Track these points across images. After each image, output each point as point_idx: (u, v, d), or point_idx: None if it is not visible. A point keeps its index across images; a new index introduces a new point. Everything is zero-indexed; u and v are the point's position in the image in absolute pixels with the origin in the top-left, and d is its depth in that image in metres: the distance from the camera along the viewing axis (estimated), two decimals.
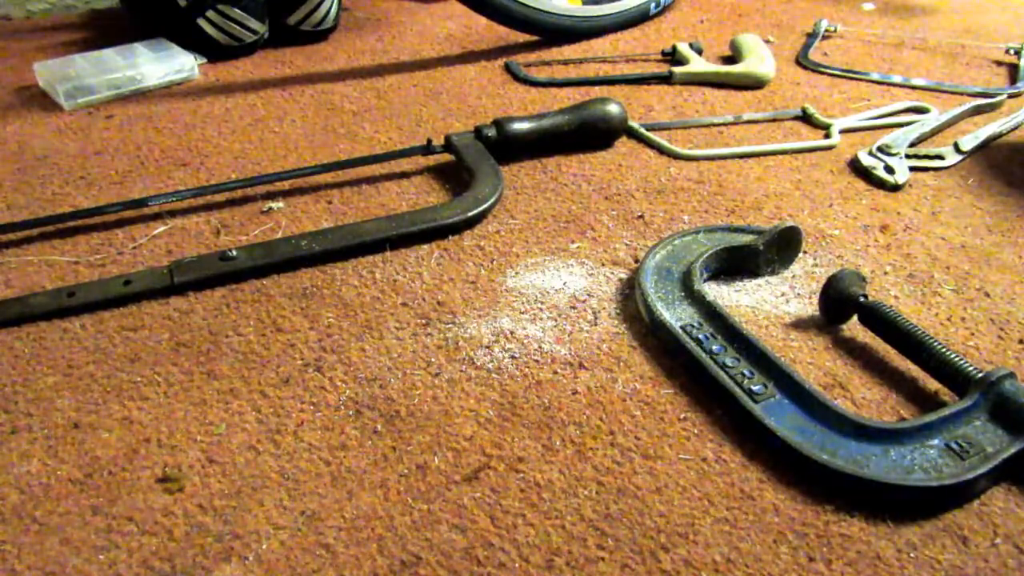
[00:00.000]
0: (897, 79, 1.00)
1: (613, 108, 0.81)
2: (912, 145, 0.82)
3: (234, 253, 0.62)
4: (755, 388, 0.50)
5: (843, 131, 0.86)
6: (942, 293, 0.62)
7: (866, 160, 0.79)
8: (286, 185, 0.75)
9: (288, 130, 0.85)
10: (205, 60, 1.02)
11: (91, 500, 0.44)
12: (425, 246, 0.66)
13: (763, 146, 0.83)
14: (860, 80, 1.00)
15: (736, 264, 0.63)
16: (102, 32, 1.14)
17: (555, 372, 0.53)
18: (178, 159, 0.79)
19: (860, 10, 1.30)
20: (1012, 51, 1.09)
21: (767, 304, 0.60)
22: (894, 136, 0.83)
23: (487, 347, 0.55)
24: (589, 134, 0.81)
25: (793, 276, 0.63)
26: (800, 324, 0.58)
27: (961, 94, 0.96)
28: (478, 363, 0.54)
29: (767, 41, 1.11)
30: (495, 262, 0.64)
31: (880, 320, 0.54)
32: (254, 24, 1.02)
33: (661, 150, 0.82)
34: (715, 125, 0.88)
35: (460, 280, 0.62)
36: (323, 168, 0.75)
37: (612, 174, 0.78)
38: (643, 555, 0.42)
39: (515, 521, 0.43)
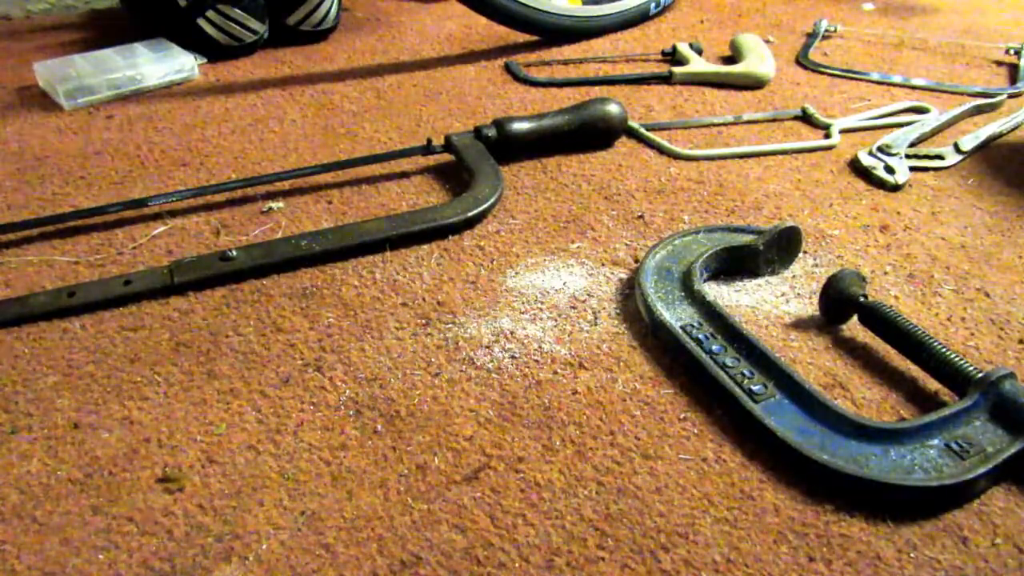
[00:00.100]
0: (897, 79, 1.00)
1: (613, 108, 0.81)
2: (912, 145, 0.82)
3: (234, 253, 0.62)
4: (755, 388, 0.50)
5: (843, 131, 0.86)
6: (942, 293, 0.62)
7: (866, 160, 0.79)
8: (286, 185, 0.75)
9: (288, 130, 0.85)
10: (205, 60, 1.02)
11: (91, 500, 0.44)
12: (425, 246, 0.66)
13: (763, 146, 0.83)
14: (860, 80, 1.00)
15: (736, 264, 0.63)
16: (102, 32, 1.14)
17: (555, 372, 0.53)
18: (178, 159, 0.79)
19: (860, 10, 1.30)
20: (1012, 51, 1.09)
21: (767, 304, 0.60)
22: (894, 136, 0.83)
23: (487, 347, 0.55)
24: (589, 134, 0.81)
25: (793, 276, 0.63)
26: (800, 324, 0.58)
27: (961, 94, 0.96)
28: (478, 363, 0.54)
29: (767, 41, 1.11)
30: (495, 262, 0.64)
31: (880, 320, 0.54)
32: (254, 24, 1.02)
33: (661, 150, 0.82)
34: (715, 125, 0.88)
35: (460, 280, 0.62)
36: (323, 168, 0.75)
37: (612, 174, 0.78)
38: (643, 555, 0.42)
39: (515, 521, 0.43)
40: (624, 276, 0.63)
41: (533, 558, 0.42)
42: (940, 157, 0.81)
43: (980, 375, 0.49)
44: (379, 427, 0.49)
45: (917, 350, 0.52)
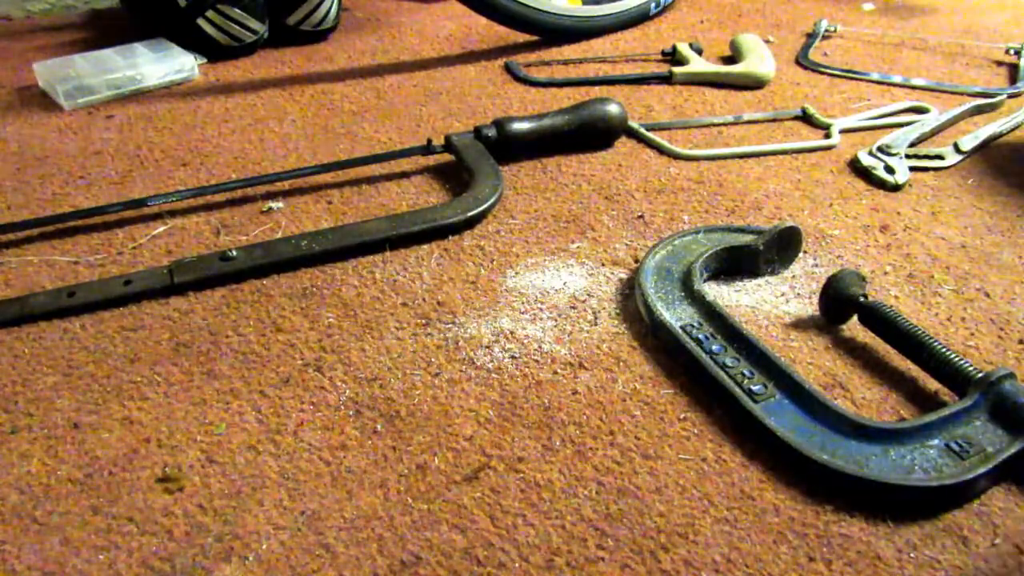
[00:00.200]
0: (897, 79, 1.00)
1: (613, 108, 0.81)
2: (912, 145, 0.82)
3: (234, 253, 0.62)
4: (755, 388, 0.50)
5: (843, 131, 0.86)
6: (942, 293, 0.62)
7: (866, 160, 0.79)
8: (286, 185, 0.75)
9: (288, 130, 0.85)
10: (205, 60, 1.02)
11: (91, 500, 0.44)
12: (425, 246, 0.66)
13: (763, 146, 0.83)
14: (860, 80, 1.00)
15: (736, 264, 0.63)
16: (102, 32, 1.14)
17: (555, 372, 0.53)
18: (178, 159, 0.79)
19: (860, 10, 1.30)
20: (1012, 51, 1.09)
21: (767, 304, 0.60)
22: (894, 136, 0.83)
23: (487, 347, 0.55)
24: (589, 134, 0.81)
25: (793, 276, 0.63)
26: (800, 324, 0.58)
27: (961, 94, 0.96)
28: (478, 363, 0.54)
29: (767, 41, 1.11)
30: (495, 262, 0.64)
31: (880, 320, 0.54)
32: (254, 24, 1.02)
33: (661, 150, 0.82)
34: (715, 125, 0.88)
35: (460, 280, 0.62)
36: (323, 168, 0.75)
37: (612, 174, 0.78)
38: (643, 555, 0.42)
39: (515, 521, 0.43)
40: (624, 276, 0.63)
41: (533, 558, 0.42)
42: (940, 157, 0.81)
43: (980, 375, 0.49)
44: (379, 427, 0.49)
45: (917, 350, 0.52)
